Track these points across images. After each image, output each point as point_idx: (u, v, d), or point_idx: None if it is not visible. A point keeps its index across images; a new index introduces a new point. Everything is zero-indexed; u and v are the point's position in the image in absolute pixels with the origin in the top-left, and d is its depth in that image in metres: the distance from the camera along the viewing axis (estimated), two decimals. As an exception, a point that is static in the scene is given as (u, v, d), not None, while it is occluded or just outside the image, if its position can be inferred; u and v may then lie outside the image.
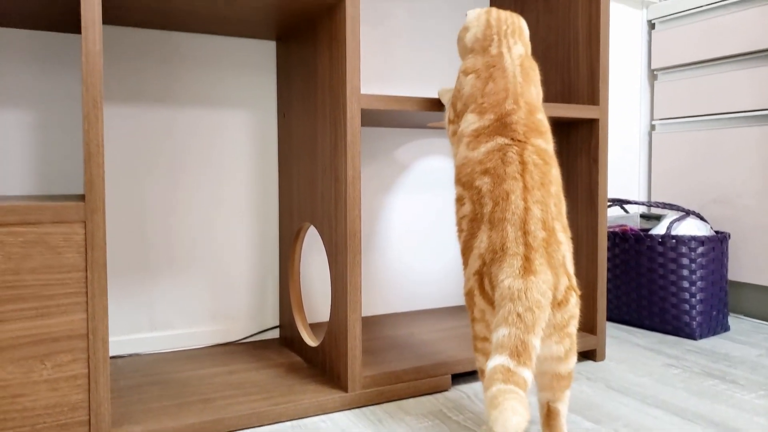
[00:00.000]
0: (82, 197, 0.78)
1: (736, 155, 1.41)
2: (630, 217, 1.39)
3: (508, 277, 0.67)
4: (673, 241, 1.26)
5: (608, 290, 1.38)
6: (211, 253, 1.12)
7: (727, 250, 1.31)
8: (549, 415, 0.73)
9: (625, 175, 1.60)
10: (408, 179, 1.31)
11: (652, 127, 1.62)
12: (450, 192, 1.35)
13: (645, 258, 1.30)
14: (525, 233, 0.69)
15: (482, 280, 0.70)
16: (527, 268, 0.67)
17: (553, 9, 1.17)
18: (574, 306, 0.69)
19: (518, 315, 0.65)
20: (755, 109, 1.37)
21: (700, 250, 1.25)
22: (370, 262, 1.28)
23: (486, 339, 0.72)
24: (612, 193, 1.58)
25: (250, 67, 1.14)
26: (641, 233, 1.31)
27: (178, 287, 1.10)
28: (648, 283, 1.30)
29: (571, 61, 1.13)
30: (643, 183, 1.64)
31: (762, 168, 1.36)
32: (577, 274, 1.13)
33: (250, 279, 1.16)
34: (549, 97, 1.19)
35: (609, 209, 1.50)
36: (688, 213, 1.33)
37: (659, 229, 1.31)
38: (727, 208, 1.44)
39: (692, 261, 1.25)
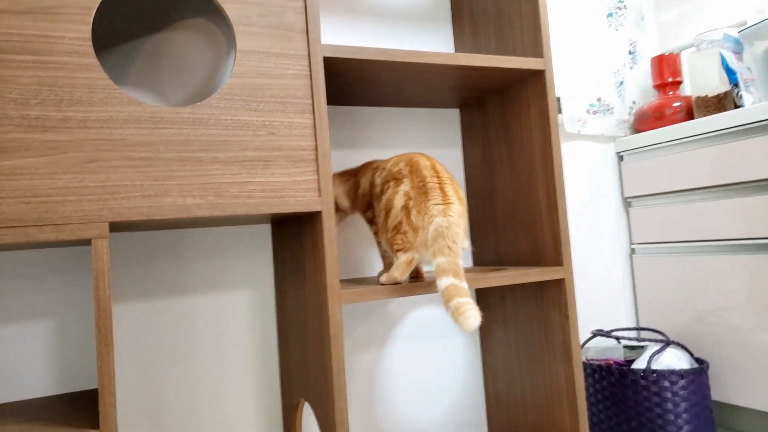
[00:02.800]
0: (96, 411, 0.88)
1: (712, 280, 1.49)
2: (614, 349, 1.47)
3: (436, 216, 1.00)
4: (654, 375, 1.33)
5: (596, 423, 1.43)
6: (220, 429, 1.22)
7: (707, 379, 1.37)
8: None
9: (610, 300, 1.68)
10: (403, 330, 1.41)
11: (632, 251, 1.72)
12: (443, 341, 1.45)
13: (630, 391, 1.37)
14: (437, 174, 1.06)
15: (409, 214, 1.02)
16: (444, 196, 1.02)
17: (517, 176, 1.30)
18: None
19: (448, 247, 0.97)
20: (724, 239, 1.46)
21: (680, 383, 1.31)
22: (377, 418, 1.36)
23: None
24: (599, 317, 1.66)
25: (248, 251, 1.28)
26: (624, 368, 1.38)
27: (190, 458, 1.19)
28: (636, 416, 1.36)
29: (536, 225, 1.25)
30: (630, 306, 1.71)
31: (738, 293, 1.44)
32: (558, 425, 1.20)
33: (256, 442, 1.25)
34: (521, 259, 1.30)
35: (593, 341, 1.57)
36: (668, 343, 1.40)
37: (641, 363, 1.38)
38: (710, 331, 1.50)
39: (674, 394, 1.31)
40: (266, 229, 1.30)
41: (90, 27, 0.85)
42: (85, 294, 1.14)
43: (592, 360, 1.47)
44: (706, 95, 1.56)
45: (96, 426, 0.83)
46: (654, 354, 1.37)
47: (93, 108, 0.85)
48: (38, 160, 0.81)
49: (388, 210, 1.07)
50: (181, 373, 1.20)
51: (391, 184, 1.08)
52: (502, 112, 1.34)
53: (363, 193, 1.18)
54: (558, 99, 1.63)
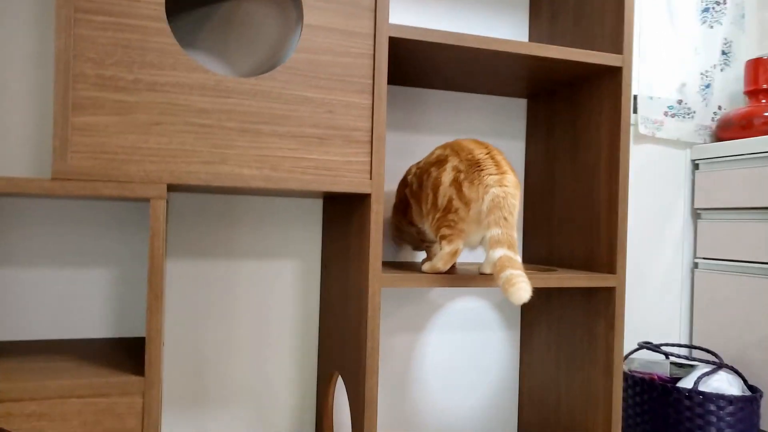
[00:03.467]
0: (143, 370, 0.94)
1: (777, 305, 1.40)
2: (661, 364, 1.41)
3: (492, 186, 0.97)
4: (701, 397, 1.27)
5: (638, 434, 1.40)
6: (258, 392, 1.27)
7: (759, 408, 1.30)
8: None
9: (665, 312, 1.62)
10: (441, 318, 1.41)
11: (695, 265, 1.63)
12: (482, 334, 1.44)
13: (672, 410, 1.32)
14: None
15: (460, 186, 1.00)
16: (498, 167, 1.00)
17: (579, 176, 1.26)
18: None
19: (504, 218, 0.95)
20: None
21: (728, 409, 1.26)
22: (406, 402, 1.38)
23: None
24: (651, 329, 1.60)
25: (299, 223, 1.30)
26: (668, 385, 1.33)
27: (228, 420, 1.25)
28: (675, 436, 1.31)
29: (593, 229, 1.21)
30: (685, 322, 1.64)
31: (802, 325, 1.35)
32: (592, 433, 1.18)
33: (289, 420, 1.29)
34: (574, 262, 1.27)
35: (639, 352, 1.52)
36: (720, 366, 1.34)
37: (687, 382, 1.33)
38: (766, 357, 1.42)
39: (720, 419, 1.25)
40: (318, 204, 1.32)
41: (166, -7, 0.87)
42: (143, 248, 1.19)
43: (635, 372, 1.43)
44: (801, 108, 1.44)
45: (141, 373, 0.88)
46: (703, 375, 1.31)
47: (162, 72, 0.87)
48: (108, 119, 0.85)
49: (435, 189, 1.04)
50: (224, 332, 1.25)
51: (433, 169, 1.06)
52: (571, 106, 1.29)
53: (400, 201, 1.18)
54: (634, 97, 1.56)
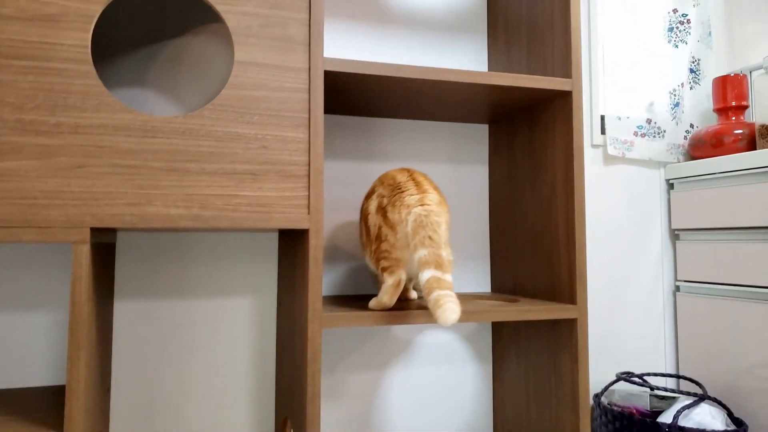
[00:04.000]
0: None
1: (765, 331, 1.34)
2: (641, 396, 1.35)
3: (413, 206, 0.95)
4: None
5: (620, 470, 1.32)
6: None
7: (743, 441, 1.23)
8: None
9: (648, 340, 1.55)
10: (408, 353, 1.36)
11: (677, 288, 1.58)
12: (452, 368, 1.39)
13: (652, 444, 1.25)
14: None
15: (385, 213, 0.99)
16: (419, 188, 0.98)
17: (539, 202, 1.22)
18: None
19: (429, 237, 0.92)
20: (774, 286, 1.31)
21: (709, 443, 1.19)
22: (369, 433, 1.32)
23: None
24: (633, 358, 1.54)
25: (254, 258, 1.27)
26: (647, 419, 1.26)
27: (182, 460, 1.20)
28: (657, 472, 1.24)
29: (554, 256, 1.17)
30: (670, 349, 1.58)
31: (785, 349, 1.29)
32: (561, 472, 1.12)
33: (249, 451, 1.24)
34: (537, 292, 1.23)
35: (617, 384, 1.46)
36: (702, 398, 1.27)
37: (667, 416, 1.26)
38: (755, 388, 1.35)
39: (701, 454, 1.18)
40: (274, 238, 1.29)
41: (89, 35, 0.87)
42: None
43: (615, 405, 1.36)
44: (772, 123, 1.40)
45: (59, 428, 0.84)
46: (684, 408, 1.25)
47: (85, 114, 0.86)
48: (29, 163, 0.84)
49: (366, 220, 1.04)
50: (177, 375, 1.21)
51: (365, 201, 1.07)
52: (529, 131, 1.26)
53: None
54: (601, 118, 1.53)
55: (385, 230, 0.98)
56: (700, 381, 1.48)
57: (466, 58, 1.44)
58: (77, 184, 0.85)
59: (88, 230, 0.85)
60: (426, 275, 0.90)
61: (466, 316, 1.02)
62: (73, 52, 0.86)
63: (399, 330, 1.35)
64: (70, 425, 0.83)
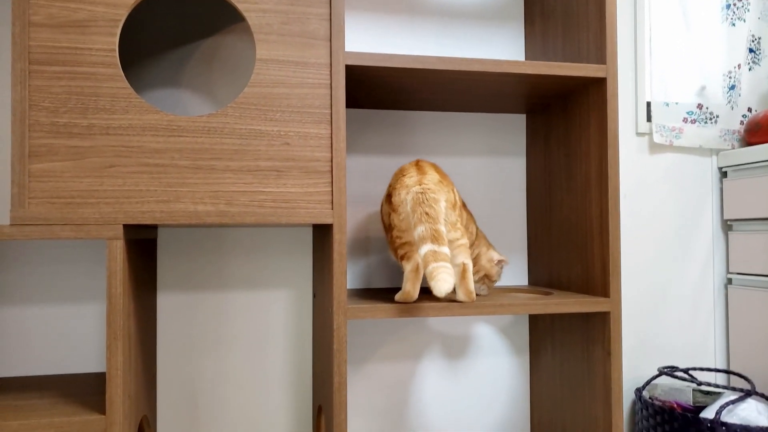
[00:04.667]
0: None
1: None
2: (683, 390, 1.29)
3: (412, 186, 0.99)
4: (723, 428, 1.15)
5: (662, 469, 1.28)
6: (253, 425, 1.27)
7: (795, 443, 1.16)
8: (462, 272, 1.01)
9: (696, 334, 1.49)
10: (443, 345, 1.36)
11: (729, 281, 1.50)
12: (488, 360, 1.38)
13: (695, 444, 1.20)
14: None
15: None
16: (420, 171, 1.02)
17: (573, 193, 1.19)
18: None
19: (426, 213, 0.94)
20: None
21: (757, 443, 1.13)
22: None
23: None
24: (679, 354, 1.48)
25: (290, 251, 1.30)
26: (689, 414, 1.21)
27: (221, 444, 1.25)
28: (700, 472, 1.19)
29: (587, 248, 1.13)
30: (720, 344, 1.50)
31: None
32: (593, 470, 1.09)
33: (285, 438, 1.28)
34: (571, 285, 1.20)
35: (662, 378, 1.40)
36: (749, 393, 1.21)
37: (710, 411, 1.21)
38: (810, 385, 1.28)
39: (748, 455, 1.13)
40: (309, 231, 1.31)
41: (116, 38, 0.90)
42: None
43: (657, 399, 1.32)
44: (837, 105, 1.30)
45: (102, 411, 0.89)
46: (729, 403, 1.19)
47: (115, 116, 0.90)
48: (63, 164, 0.88)
49: (381, 212, 1.10)
50: (218, 365, 1.26)
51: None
52: (564, 120, 1.23)
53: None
54: (647, 105, 1.46)
55: (393, 216, 1.02)
56: (751, 377, 1.41)
57: (502, 48, 1.40)
58: (109, 183, 0.89)
59: (121, 227, 0.89)
60: (423, 250, 0.93)
61: (491, 309, 1.01)
62: (101, 56, 0.90)
63: (434, 322, 1.35)
64: (111, 408, 0.88)
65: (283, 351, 1.29)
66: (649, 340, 1.46)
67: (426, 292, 1.12)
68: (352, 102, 1.27)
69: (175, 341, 1.24)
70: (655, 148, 1.48)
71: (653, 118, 1.45)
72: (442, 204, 0.97)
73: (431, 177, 1.00)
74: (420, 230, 0.95)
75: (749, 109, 1.53)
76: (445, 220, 0.97)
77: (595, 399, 1.10)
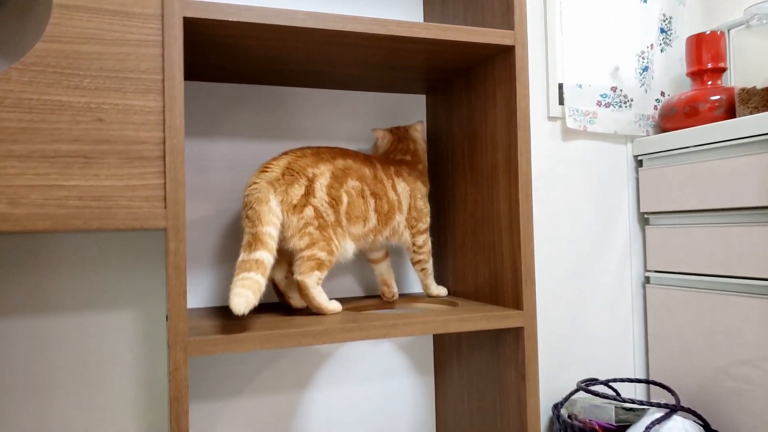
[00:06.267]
0: None
1: (746, 328, 1.15)
2: (605, 408, 1.15)
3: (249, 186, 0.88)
4: (650, 452, 1.02)
5: (583, 495, 1.13)
6: (88, 471, 1.00)
7: (724, 461, 1.05)
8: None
9: (616, 338, 1.36)
10: (333, 368, 1.14)
11: (646, 280, 1.38)
12: (389, 382, 1.18)
13: (618, 468, 1.06)
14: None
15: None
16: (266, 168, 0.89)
17: (478, 185, 1.01)
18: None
19: (247, 217, 0.84)
20: (762, 278, 1.12)
21: (684, 465, 1.00)
22: (286, 465, 1.11)
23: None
24: (599, 362, 1.34)
25: (138, 262, 1.04)
26: (611, 436, 1.07)
27: None
28: (624, 500, 1.05)
29: (496, 250, 0.96)
30: (639, 349, 1.39)
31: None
32: None
33: (136, 496, 1.02)
34: (479, 293, 1.02)
35: (580, 393, 1.27)
36: (674, 409, 1.08)
37: (635, 431, 1.07)
38: (734, 393, 1.17)
39: (675, 479, 1.00)
40: (161, 235, 1.06)
41: None
42: None
43: (576, 419, 1.17)
44: (754, 87, 1.20)
45: None
46: (654, 423, 1.06)
47: None
48: None
49: None
50: (39, 414, 0.97)
51: None
52: (467, 100, 1.05)
53: None
54: (559, 86, 1.31)
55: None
56: (673, 384, 1.30)
57: (397, 12, 1.21)
58: None
59: None
60: (239, 259, 0.82)
61: (380, 332, 0.81)
62: None
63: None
64: None
65: (129, 392, 1.03)
66: (564, 347, 1.31)
67: (309, 312, 0.91)
68: (211, 73, 1.03)
69: (-20, 384, 0.95)
70: (568, 133, 1.33)
71: (566, 101, 1.31)
72: (273, 204, 0.85)
73: (267, 175, 0.87)
74: (243, 239, 0.84)
75: (662, 93, 1.42)
76: (286, 224, 0.85)
77: (508, 428, 0.93)
